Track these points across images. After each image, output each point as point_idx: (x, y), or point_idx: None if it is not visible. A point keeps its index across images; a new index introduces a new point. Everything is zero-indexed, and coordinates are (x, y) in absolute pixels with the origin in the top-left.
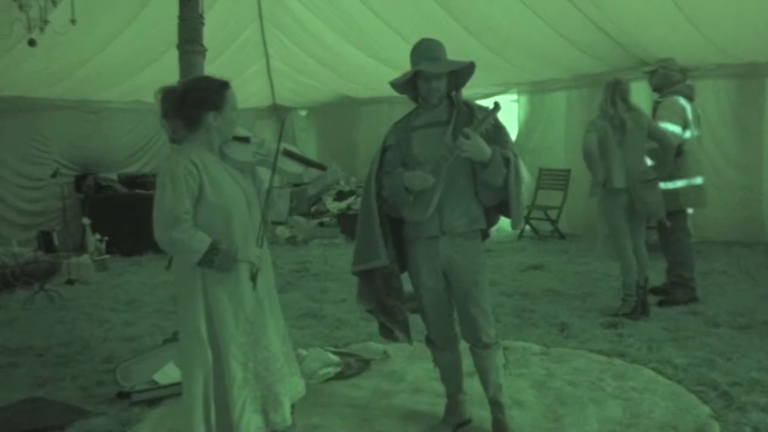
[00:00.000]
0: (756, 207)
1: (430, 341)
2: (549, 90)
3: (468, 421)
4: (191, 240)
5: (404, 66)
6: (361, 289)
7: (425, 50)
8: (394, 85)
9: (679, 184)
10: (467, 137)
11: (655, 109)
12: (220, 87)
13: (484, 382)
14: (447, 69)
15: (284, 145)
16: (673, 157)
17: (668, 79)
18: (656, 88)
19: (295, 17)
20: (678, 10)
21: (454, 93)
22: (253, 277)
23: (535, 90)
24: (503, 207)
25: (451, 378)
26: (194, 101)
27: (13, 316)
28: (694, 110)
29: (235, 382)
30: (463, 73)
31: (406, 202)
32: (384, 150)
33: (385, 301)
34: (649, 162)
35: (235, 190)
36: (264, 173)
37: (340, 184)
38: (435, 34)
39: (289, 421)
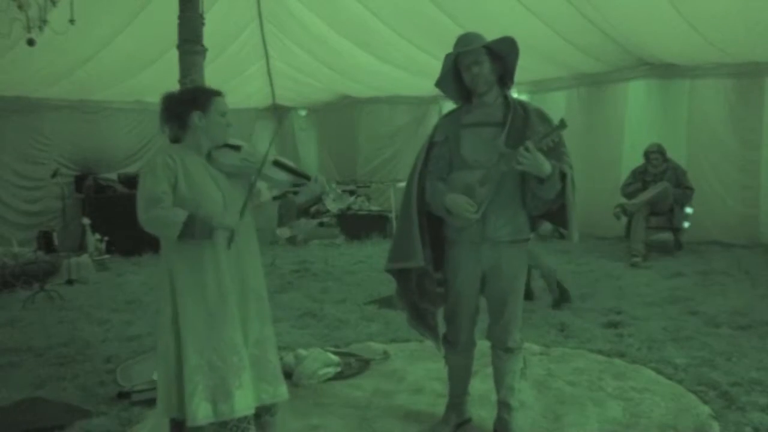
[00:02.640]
0: (754, 206)
1: (448, 342)
2: (549, 89)
3: (468, 420)
4: (169, 214)
5: (405, 65)
6: (397, 288)
7: (459, 42)
8: (442, 88)
9: None
10: (527, 150)
11: None
12: (210, 92)
13: (498, 383)
14: (475, 45)
15: (274, 155)
16: None
17: None
18: None
19: (294, 16)
20: (676, 11)
21: (508, 93)
22: (230, 240)
23: (535, 90)
24: (550, 216)
25: (460, 379)
26: (183, 100)
27: (13, 316)
28: None
29: (188, 367)
30: (508, 56)
31: (447, 215)
32: (430, 145)
33: (417, 303)
34: None
35: (212, 189)
36: (261, 183)
37: (329, 197)
38: (434, 33)
39: (236, 414)
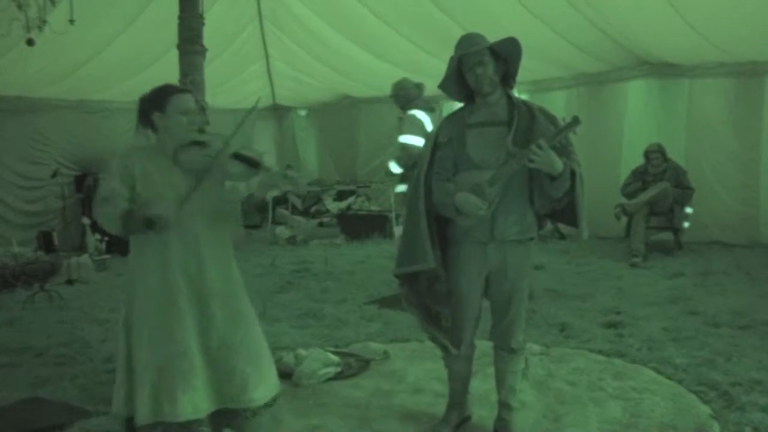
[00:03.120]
0: (754, 206)
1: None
2: (549, 89)
3: (468, 418)
4: (114, 208)
5: (405, 64)
6: (405, 292)
7: (462, 43)
8: (445, 89)
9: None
10: (540, 147)
11: (400, 125)
12: (168, 90)
13: (499, 383)
14: (479, 47)
15: (236, 148)
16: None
17: (407, 98)
18: (402, 107)
19: (294, 16)
20: (674, 11)
21: (511, 92)
22: (162, 226)
23: (535, 89)
24: (555, 215)
25: (460, 382)
26: (145, 101)
27: (13, 316)
28: (434, 120)
29: (138, 365)
30: (511, 56)
31: (456, 215)
32: (435, 147)
33: (430, 306)
34: (395, 169)
35: (168, 190)
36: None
37: (290, 189)
38: (434, 33)
39: (181, 418)
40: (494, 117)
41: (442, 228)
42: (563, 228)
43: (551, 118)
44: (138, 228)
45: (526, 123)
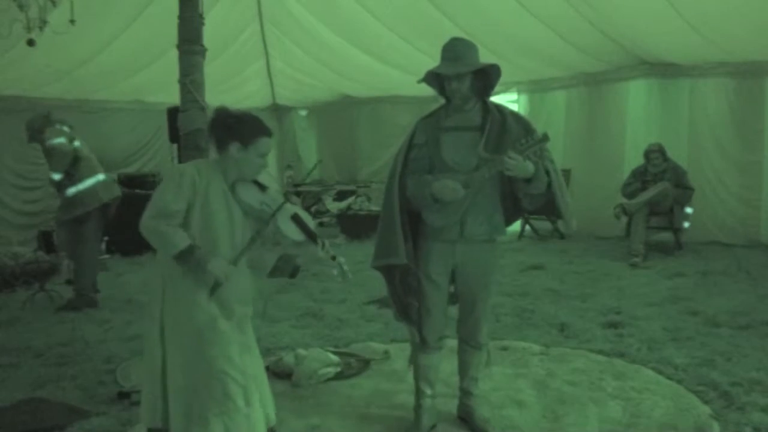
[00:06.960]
0: (754, 206)
1: (421, 340)
2: (549, 89)
3: (434, 426)
4: (174, 235)
5: (403, 65)
6: (386, 285)
7: (447, 50)
8: (428, 83)
9: (88, 183)
10: (511, 158)
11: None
12: (257, 130)
13: (463, 373)
14: (457, 71)
15: (295, 209)
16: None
17: (36, 130)
18: (35, 140)
19: (294, 16)
20: (674, 11)
21: (487, 98)
22: (212, 289)
23: (535, 89)
24: (546, 208)
25: (430, 380)
26: (227, 126)
27: (13, 316)
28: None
29: (171, 383)
30: (490, 73)
31: (430, 207)
32: (410, 147)
33: (402, 298)
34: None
35: (222, 219)
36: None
37: (333, 270)
38: (434, 36)
39: None
40: (468, 122)
41: (414, 223)
42: (563, 228)
43: (524, 123)
44: (193, 269)
45: (498, 129)
